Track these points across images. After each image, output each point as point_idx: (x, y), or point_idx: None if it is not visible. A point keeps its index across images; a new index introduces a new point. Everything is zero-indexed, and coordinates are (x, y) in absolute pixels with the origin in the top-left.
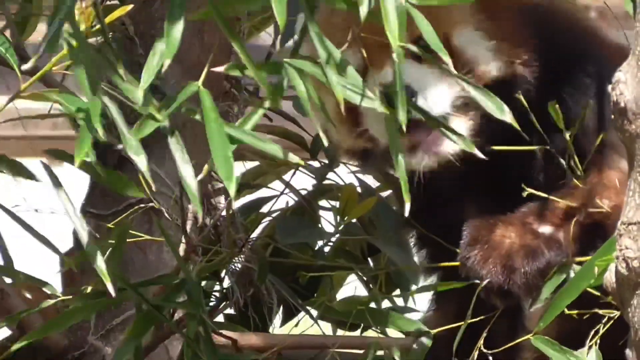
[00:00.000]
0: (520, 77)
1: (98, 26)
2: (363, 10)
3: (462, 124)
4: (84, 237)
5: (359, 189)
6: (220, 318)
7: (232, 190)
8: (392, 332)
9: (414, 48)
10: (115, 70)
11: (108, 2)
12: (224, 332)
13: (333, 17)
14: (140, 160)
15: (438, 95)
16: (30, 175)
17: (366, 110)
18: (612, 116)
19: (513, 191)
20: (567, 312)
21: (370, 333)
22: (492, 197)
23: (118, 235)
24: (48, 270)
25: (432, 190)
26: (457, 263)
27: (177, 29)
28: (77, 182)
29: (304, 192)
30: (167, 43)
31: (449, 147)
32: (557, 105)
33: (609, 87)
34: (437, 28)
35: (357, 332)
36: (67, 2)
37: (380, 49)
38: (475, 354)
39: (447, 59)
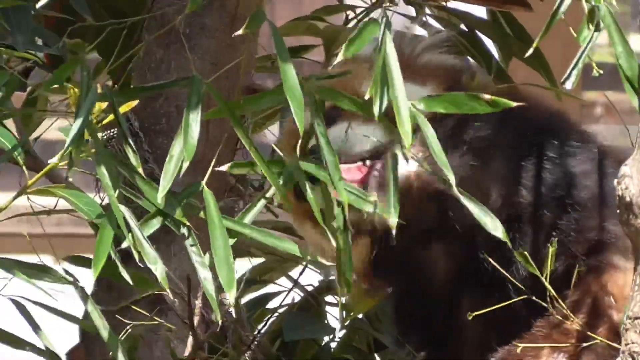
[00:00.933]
0: None
1: (107, 119)
2: (376, 110)
3: None
4: (104, 334)
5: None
6: None
7: (231, 296)
8: None
9: None
10: (135, 171)
11: None
12: None
13: None
14: (158, 268)
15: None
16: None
17: None
18: (618, 210)
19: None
20: None
21: None
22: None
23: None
24: None
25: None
26: None
27: (195, 130)
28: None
29: (309, 288)
30: (186, 145)
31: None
32: (525, 253)
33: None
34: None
35: None
36: (89, 100)
37: None
38: None
39: None
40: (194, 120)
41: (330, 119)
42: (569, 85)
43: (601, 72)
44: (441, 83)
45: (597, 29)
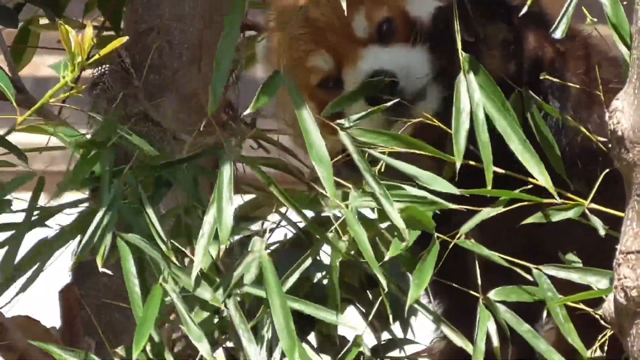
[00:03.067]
0: None
1: (95, 57)
2: None
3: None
4: None
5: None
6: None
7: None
8: None
9: None
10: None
11: (104, 34)
12: None
13: (296, 29)
14: (203, 346)
15: (416, 70)
16: None
17: (349, 109)
18: (610, 145)
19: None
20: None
21: None
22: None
23: None
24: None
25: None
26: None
27: (229, 212)
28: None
29: (301, 224)
30: (220, 226)
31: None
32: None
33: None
34: (393, 7)
35: None
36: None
37: (347, 45)
38: None
39: None
40: (227, 199)
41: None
42: (558, 34)
43: (595, 20)
44: None
45: None
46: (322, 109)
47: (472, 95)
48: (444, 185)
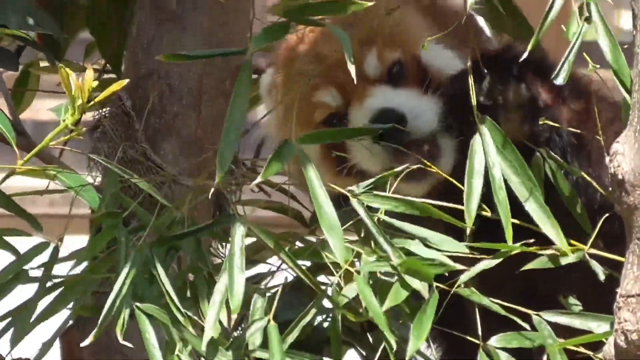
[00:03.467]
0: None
1: (96, 100)
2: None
3: (448, 140)
4: None
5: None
6: None
7: None
8: None
9: None
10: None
11: (105, 77)
12: None
13: (304, 63)
14: None
15: (425, 114)
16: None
17: (353, 144)
18: (610, 188)
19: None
20: None
21: None
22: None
23: None
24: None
25: None
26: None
27: (240, 282)
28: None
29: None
30: (231, 298)
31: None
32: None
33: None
34: (406, 51)
35: None
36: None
37: (355, 83)
38: None
39: None
40: (239, 268)
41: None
42: (559, 81)
43: (597, 66)
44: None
45: (588, 21)
46: (326, 145)
47: (488, 154)
48: (453, 246)
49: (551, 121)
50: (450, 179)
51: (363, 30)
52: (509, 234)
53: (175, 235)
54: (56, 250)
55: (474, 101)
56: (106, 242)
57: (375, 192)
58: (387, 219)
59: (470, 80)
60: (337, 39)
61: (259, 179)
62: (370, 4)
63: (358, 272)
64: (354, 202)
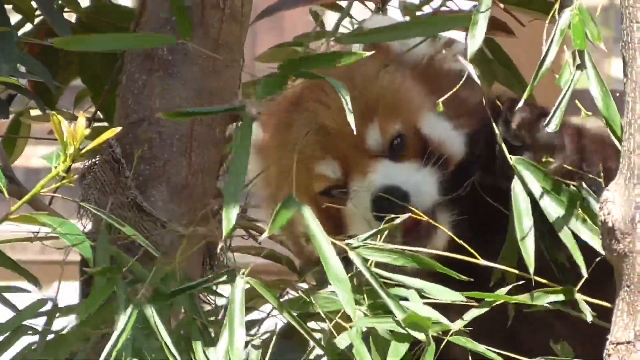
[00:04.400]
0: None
1: (88, 147)
2: None
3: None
4: None
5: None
6: None
7: None
8: None
9: None
10: None
11: (96, 124)
12: None
13: (302, 130)
14: None
15: (428, 189)
16: None
17: (352, 216)
18: (601, 236)
19: None
20: None
21: None
22: None
23: None
24: None
25: None
26: None
27: (241, 335)
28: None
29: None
30: (232, 351)
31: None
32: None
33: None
34: (406, 123)
35: None
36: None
37: (357, 156)
38: None
39: None
40: (239, 324)
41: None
42: (551, 128)
43: (590, 114)
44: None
45: (580, 68)
46: (323, 214)
47: (531, 189)
48: (449, 296)
49: (579, 151)
50: (456, 238)
51: (363, 102)
52: (583, 267)
53: (173, 291)
54: (55, 306)
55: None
56: (105, 297)
57: (372, 245)
58: (380, 272)
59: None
60: (337, 109)
61: (266, 234)
62: (368, 54)
63: (351, 327)
64: (352, 255)
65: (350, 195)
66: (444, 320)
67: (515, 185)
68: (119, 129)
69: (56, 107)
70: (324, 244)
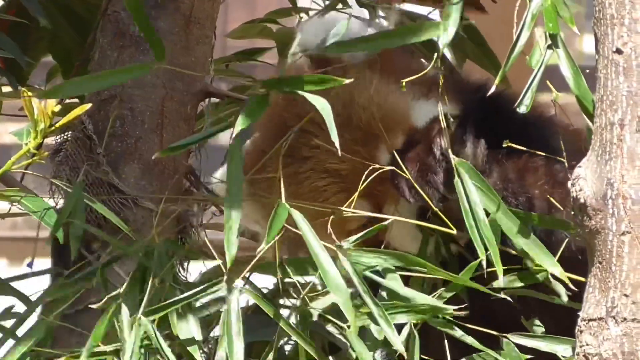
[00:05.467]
0: None
1: (58, 124)
2: None
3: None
4: None
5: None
6: None
7: None
8: None
9: None
10: None
11: (67, 101)
12: None
13: (316, 180)
14: None
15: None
16: None
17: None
18: (572, 212)
19: None
20: None
21: None
22: None
23: None
24: None
25: None
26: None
27: (239, 349)
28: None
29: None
30: None
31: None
32: None
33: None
34: (404, 128)
35: None
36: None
37: (380, 184)
38: None
39: None
40: (237, 334)
41: None
42: (522, 109)
43: (560, 94)
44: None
45: (551, 48)
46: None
47: (470, 195)
48: (439, 304)
49: (502, 182)
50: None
51: (359, 129)
52: (499, 269)
53: (167, 303)
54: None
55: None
56: (108, 324)
57: (363, 247)
58: (375, 278)
59: (443, 124)
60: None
61: (263, 245)
62: (347, 81)
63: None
64: (342, 259)
65: (391, 228)
66: (437, 303)
67: (457, 186)
68: (89, 105)
69: (27, 83)
70: (319, 251)
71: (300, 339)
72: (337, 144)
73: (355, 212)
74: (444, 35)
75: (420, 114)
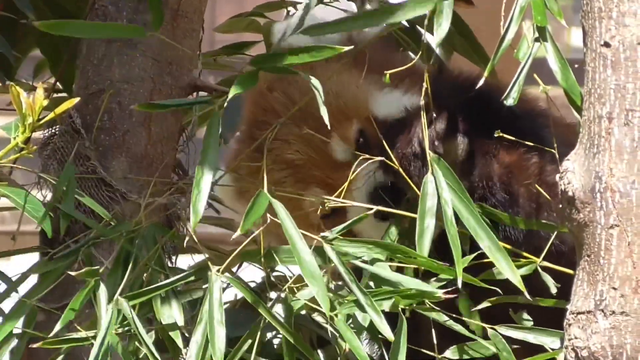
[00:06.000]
0: None
1: (46, 118)
2: None
3: None
4: None
5: None
6: None
7: None
8: None
9: None
10: None
11: (55, 95)
12: None
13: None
14: None
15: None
16: None
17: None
18: (560, 205)
19: None
20: None
21: None
22: None
23: None
24: None
25: None
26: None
27: (221, 335)
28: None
29: (252, 284)
30: (214, 350)
31: None
32: None
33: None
34: (360, 117)
35: None
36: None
37: (337, 174)
38: None
39: None
40: (219, 322)
41: None
42: (510, 102)
43: (549, 88)
44: (412, 81)
45: (538, 41)
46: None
47: (440, 193)
48: (428, 288)
49: (484, 178)
50: None
51: (314, 119)
52: (459, 270)
53: (150, 288)
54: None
55: (426, 144)
56: (85, 298)
57: (347, 238)
58: (362, 264)
59: (423, 119)
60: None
61: (238, 232)
62: (346, 48)
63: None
64: (327, 248)
65: (347, 210)
66: (427, 287)
67: (427, 182)
68: (77, 99)
69: (15, 78)
70: (297, 240)
71: (284, 330)
72: (326, 120)
73: (331, 199)
74: (438, 31)
75: (382, 104)
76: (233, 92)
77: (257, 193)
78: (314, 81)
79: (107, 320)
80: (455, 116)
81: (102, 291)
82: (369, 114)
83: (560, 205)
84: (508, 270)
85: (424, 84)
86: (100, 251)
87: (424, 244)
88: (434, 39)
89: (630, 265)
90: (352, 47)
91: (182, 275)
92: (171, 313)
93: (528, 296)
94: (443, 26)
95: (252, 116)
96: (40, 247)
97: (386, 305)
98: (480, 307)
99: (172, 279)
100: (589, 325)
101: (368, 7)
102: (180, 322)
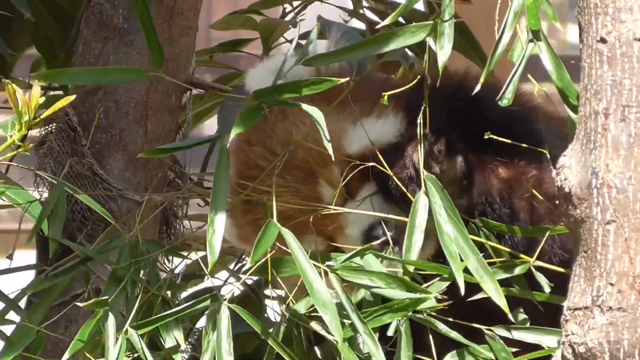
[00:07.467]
0: None
1: (42, 116)
2: None
3: None
4: None
5: None
6: None
7: None
8: None
9: None
10: None
11: (51, 93)
12: None
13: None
14: None
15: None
16: None
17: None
18: (557, 201)
19: None
20: None
21: None
22: None
23: None
24: None
25: None
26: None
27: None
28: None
29: (249, 282)
30: None
31: None
32: None
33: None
34: (339, 157)
35: None
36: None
37: (326, 220)
38: None
39: None
40: (227, 353)
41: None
42: (504, 102)
43: (544, 89)
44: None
45: (532, 41)
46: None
47: (436, 210)
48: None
49: (484, 193)
50: None
51: (298, 168)
52: (461, 283)
53: (158, 317)
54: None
55: (421, 164)
56: (94, 329)
57: (352, 267)
58: (360, 283)
59: (420, 148)
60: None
61: (249, 264)
62: (343, 80)
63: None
64: (332, 278)
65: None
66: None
67: (420, 199)
68: (74, 97)
69: (11, 75)
70: (308, 268)
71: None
72: (330, 151)
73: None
74: (440, 53)
75: (354, 139)
76: (235, 131)
77: (267, 223)
78: (316, 112)
79: (117, 351)
80: (450, 135)
81: (111, 321)
82: (345, 153)
83: (558, 202)
84: (494, 293)
85: (423, 103)
86: (95, 266)
87: (412, 256)
88: (438, 59)
89: (627, 261)
90: (347, 79)
91: (189, 304)
92: (172, 336)
93: (512, 318)
94: (445, 48)
95: (238, 171)
96: (36, 265)
97: (381, 322)
98: (476, 297)
99: (178, 307)
100: (586, 321)
101: (364, 3)
102: (183, 344)
